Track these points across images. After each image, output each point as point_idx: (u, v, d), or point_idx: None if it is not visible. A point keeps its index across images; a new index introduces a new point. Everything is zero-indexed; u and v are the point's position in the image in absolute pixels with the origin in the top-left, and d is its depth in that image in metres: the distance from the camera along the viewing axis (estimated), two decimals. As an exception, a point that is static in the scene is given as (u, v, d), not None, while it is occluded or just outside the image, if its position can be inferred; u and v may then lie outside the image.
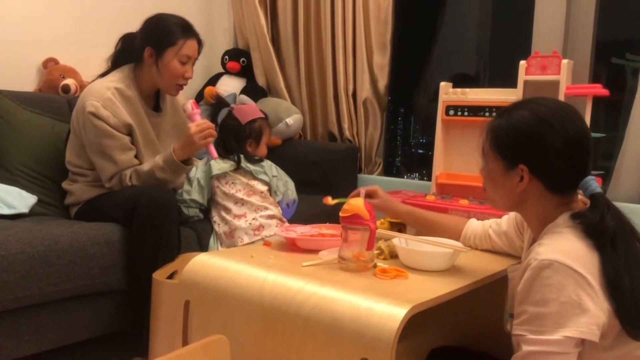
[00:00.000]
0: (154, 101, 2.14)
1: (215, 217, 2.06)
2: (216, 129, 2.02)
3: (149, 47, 1.99)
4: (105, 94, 1.94)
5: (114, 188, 1.98)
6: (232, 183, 2.06)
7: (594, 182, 1.09)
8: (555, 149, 1.09)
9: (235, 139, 2.11)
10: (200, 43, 2.07)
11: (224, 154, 2.08)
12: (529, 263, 1.03)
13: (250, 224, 1.99)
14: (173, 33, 1.99)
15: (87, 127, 1.94)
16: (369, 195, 1.59)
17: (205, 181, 2.05)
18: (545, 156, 1.10)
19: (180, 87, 2.07)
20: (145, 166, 1.99)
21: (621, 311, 0.98)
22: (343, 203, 1.36)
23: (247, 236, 1.98)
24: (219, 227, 2.03)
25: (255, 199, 2.04)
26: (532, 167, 1.11)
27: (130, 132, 2.00)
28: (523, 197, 1.15)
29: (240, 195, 2.04)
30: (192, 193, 2.04)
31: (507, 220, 1.46)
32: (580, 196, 1.15)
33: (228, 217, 2.01)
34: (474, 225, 1.53)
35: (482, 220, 1.54)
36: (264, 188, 2.09)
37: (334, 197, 1.58)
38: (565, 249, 1.02)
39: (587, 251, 1.02)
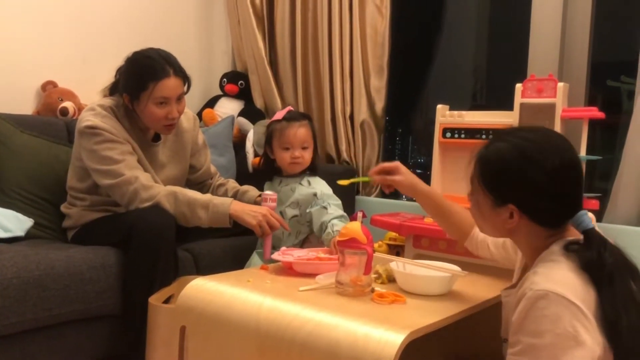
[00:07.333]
0: (153, 132, 2.05)
1: None
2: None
3: (125, 94, 1.92)
4: (101, 112, 1.91)
5: (126, 195, 1.84)
6: None
7: (586, 217, 1.06)
8: (541, 188, 1.07)
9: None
10: (183, 78, 1.93)
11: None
12: (524, 292, 1.01)
13: None
14: (144, 76, 1.87)
15: (85, 140, 1.88)
16: (391, 172, 1.50)
17: None
18: (532, 196, 1.08)
19: (170, 126, 1.95)
20: (189, 192, 1.87)
21: (620, 354, 0.96)
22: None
23: None
24: None
25: None
26: (521, 207, 1.09)
27: (132, 148, 1.93)
28: (513, 230, 1.13)
29: None
30: None
31: None
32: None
33: None
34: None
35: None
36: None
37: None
38: (561, 279, 1.00)
39: (583, 284, 1.00)
